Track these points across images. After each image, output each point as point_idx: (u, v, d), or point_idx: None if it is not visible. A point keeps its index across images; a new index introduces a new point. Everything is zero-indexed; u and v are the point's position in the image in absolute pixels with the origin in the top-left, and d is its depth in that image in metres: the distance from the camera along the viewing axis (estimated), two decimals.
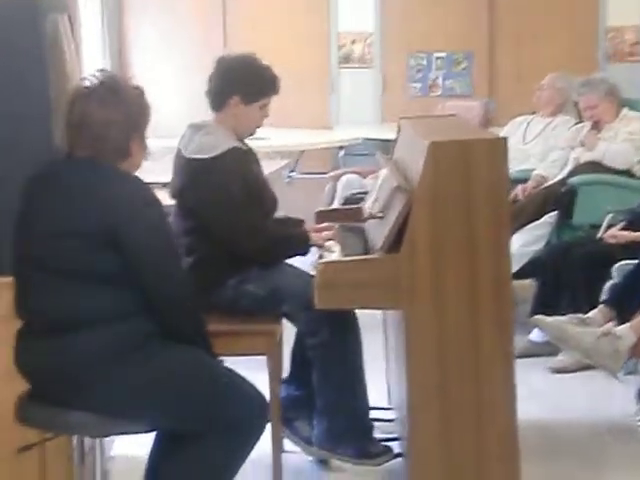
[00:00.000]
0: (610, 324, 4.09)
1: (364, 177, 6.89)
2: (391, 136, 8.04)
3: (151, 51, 8.40)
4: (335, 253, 3.69)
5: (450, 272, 3.24)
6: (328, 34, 8.33)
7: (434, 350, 3.26)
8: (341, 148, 7.69)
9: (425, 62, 8.33)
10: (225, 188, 3.66)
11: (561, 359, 5.02)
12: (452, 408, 3.30)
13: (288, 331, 4.00)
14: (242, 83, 3.79)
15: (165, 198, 3.89)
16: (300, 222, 4.07)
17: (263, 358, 3.73)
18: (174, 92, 7.99)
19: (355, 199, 6.22)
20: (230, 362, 3.16)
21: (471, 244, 3.23)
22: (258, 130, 3.93)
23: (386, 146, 8.38)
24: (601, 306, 4.24)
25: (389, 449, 3.79)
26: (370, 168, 7.23)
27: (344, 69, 8.39)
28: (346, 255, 3.61)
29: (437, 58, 8.33)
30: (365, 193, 6.41)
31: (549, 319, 4.17)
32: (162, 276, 2.92)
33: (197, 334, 3.00)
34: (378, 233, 3.49)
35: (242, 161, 3.76)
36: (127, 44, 8.45)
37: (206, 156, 3.69)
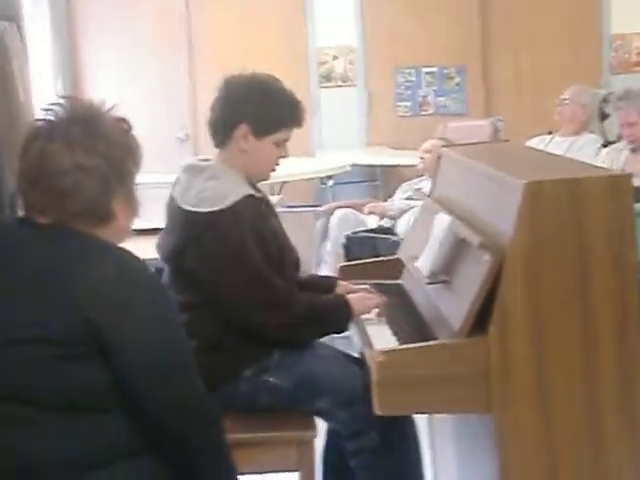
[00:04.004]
0: None
1: (359, 211, 6.03)
2: (380, 161, 7.35)
3: (108, 73, 7.44)
4: (383, 331, 2.79)
5: (559, 360, 2.36)
6: (306, 50, 7.49)
7: (541, 471, 2.37)
8: (329, 178, 6.80)
9: (414, 78, 7.49)
10: (239, 249, 2.75)
11: None
12: None
13: None
14: (253, 108, 2.87)
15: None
16: (333, 282, 3.15)
17: None
18: (135, 118, 7.04)
19: (360, 238, 5.36)
20: None
21: (587, 320, 2.36)
22: None
23: (374, 172, 7.60)
24: None
25: None
26: (364, 200, 6.40)
27: (325, 88, 7.54)
28: (398, 336, 2.72)
29: (427, 73, 7.49)
30: (370, 231, 5.59)
31: None
32: (170, 398, 2.01)
33: None
34: (446, 305, 2.60)
35: (258, 213, 2.85)
36: (80, 62, 7.48)
37: (212, 209, 2.76)
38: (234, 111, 2.87)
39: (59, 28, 7.02)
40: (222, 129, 2.89)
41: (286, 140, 2.93)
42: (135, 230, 3.71)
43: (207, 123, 2.93)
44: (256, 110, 2.86)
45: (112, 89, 7.25)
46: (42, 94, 6.04)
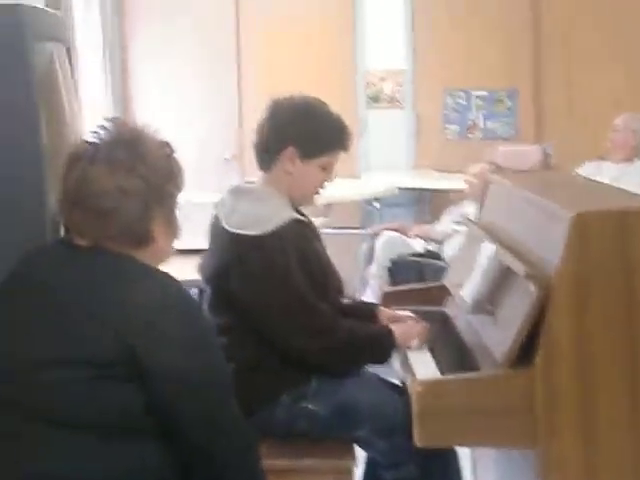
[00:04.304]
0: None
1: (403, 234, 5.98)
2: (427, 184, 7.30)
3: (157, 92, 7.43)
4: (425, 359, 2.75)
5: (606, 393, 2.31)
6: (354, 71, 7.42)
7: None
8: (376, 200, 6.75)
9: (464, 101, 7.43)
10: (283, 271, 2.73)
11: None
12: None
13: None
14: (300, 131, 2.85)
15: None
16: (374, 309, 3.11)
17: None
18: (182, 137, 7.04)
19: (405, 262, 5.32)
20: None
21: (635, 353, 2.31)
22: None
23: (421, 195, 7.54)
24: None
25: None
26: (408, 224, 6.36)
27: (373, 110, 7.49)
28: (440, 365, 2.67)
29: (477, 96, 7.42)
30: (416, 255, 5.55)
31: None
32: (207, 421, 1.99)
33: None
34: (489, 334, 2.55)
35: (303, 238, 2.83)
36: (129, 81, 7.48)
37: (257, 232, 2.74)
38: (281, 133, 2.85)
39: (110, 48, 7.05)
40: (268, 151, 2.87)
41: (332, 164, 2.91)
42: (179, 250, 3.72)
43: (253, 145, 2.92)
44: (303, 133, 2.84)
45: (160, 108, 7.28)
46: (92, 114, 6.08)
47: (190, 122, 7.32)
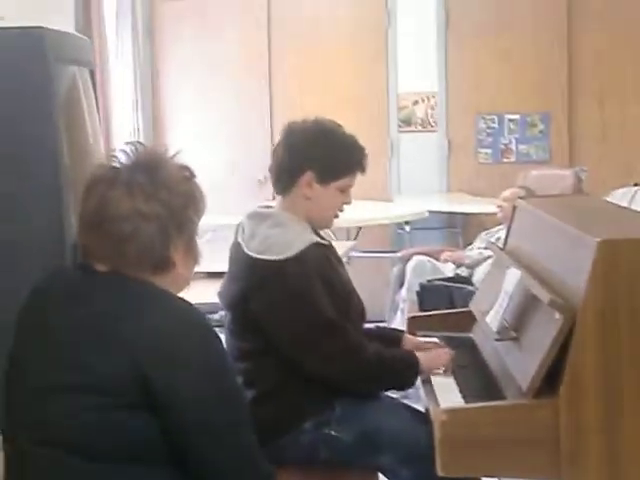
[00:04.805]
0: None
1: (435, 258, 5.94)
2: (459, 208, 7.25)
3: (188, 114, 7.44)
4: (450, 387, 2.71)
5: (632, 425, 2.26)
6: (387, 94, 7.39)
7: None
8: (406, 223, 6.72)
9: (496, 125, 7.38)
10: (306, 296, 2.70)
11: None
12: None
13: None
14: (318, 155, 2.83)
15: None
16: (399, 335, 3.07)
17: None
18: (215, 159, 7.07)
19: (434, 287, 5.28)
20: None
21: None
22: None
23: (453, 219, 7.50)
24: None
25: None
26: (440, 248, 6.32)
27: (405, 133, 7.46)
28: (464, 393, 2.63)
29: (509, 120, 7.37)
30: (446, 280, 5.51)
31: None
32: (222, 447, 1.96)
33: None
34: (514, 362, 2.51)
35: (325, 261, 2.80)
36: (160, 103, 7.50)
37: (278, 256, 2.72)
38: (300, 158, 2.83)
39: (142, 71, 7.08)
40: (287, 176, 2.86)
41: (350, 186, 2.89)
42: (206, 273, 3.71)
43: (270, 169, 2.91)
44: (322, 156, 2.82)
45: (192, 130, 7.30)
46: (123, 136, 6.11)
47: (222, 144, 7.34)
